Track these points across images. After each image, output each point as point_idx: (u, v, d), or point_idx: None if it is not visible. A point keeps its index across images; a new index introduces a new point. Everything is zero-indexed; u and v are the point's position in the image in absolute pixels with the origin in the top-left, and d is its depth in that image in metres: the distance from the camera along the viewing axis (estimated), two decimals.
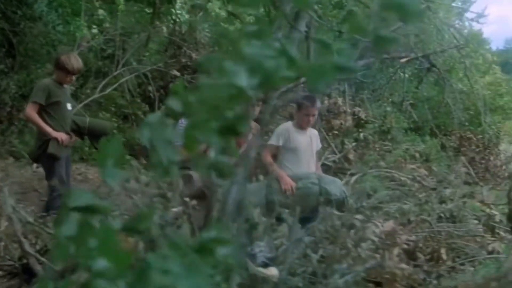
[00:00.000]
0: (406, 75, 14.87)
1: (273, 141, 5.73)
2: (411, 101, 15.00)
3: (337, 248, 3.21)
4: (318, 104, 5.90)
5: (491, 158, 12.16)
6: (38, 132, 5.40)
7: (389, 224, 3.71)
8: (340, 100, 10.59)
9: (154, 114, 0.85)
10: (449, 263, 5.99)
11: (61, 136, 5.21)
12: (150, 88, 10.73)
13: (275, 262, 2.41)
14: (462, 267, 5.86)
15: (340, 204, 5.23)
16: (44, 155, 5.20)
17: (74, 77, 5.52)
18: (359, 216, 3.61)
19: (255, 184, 5.80)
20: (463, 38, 13.08)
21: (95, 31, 12.45)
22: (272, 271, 2.22)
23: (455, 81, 15.05)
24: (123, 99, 10.01)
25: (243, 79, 0.79)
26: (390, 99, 14.89)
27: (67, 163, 5.52)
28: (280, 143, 5.64)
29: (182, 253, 0.96)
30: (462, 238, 6.90)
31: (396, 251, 3.51)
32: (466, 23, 19.90)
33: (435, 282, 3.80)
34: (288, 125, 5.96)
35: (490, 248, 6.20)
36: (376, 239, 3.53)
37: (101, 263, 0.78)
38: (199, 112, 0.83)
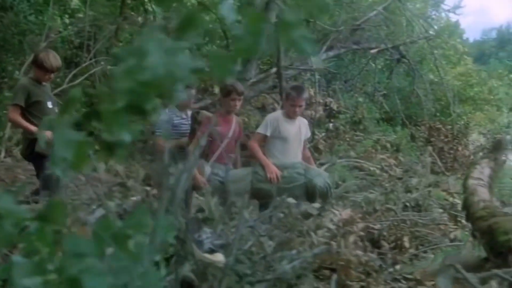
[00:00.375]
0: (378, 66, 15.02)
1: (261, 129, 5.74)
2: (384, 92, 15.18)
3: (293, 236, 3.29)
4: (306, 94, 5.90)
5: (460, 148, 12.36)
6: (24, 132, 5.38)
7: (347, 212, 3.80)
8: (312, 91, 10.67)
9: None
10: (412, 250, 6.13)
11: (46, 134, 5.11)
12: None
13: (226, 249, 2.48)
14: (425, 255, 6.01)
15: (324, 195, 5.30)
16: (32, 154, 5.17)
17: (53, 75, 5.43)
18: (315, 205, 3.69)
19: (241, 170, 5.87)
20: (433, 29, 13.24)
21: (67, 21, 12.35)
22: (218, 257, 2.29)
23: (426, 72, 15.25)
24: (94, 89, 9.95)
25: (146, 73, 0.85)
26: (363, 90, 15.05)
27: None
28: (268, 132, 5.66)
29: (99, 239, 1.02)
30: (427, 226, 7.05)
31: (352, 238, 3.59)
32: (443, 14, 20.15)
33: (391, 269, 3.88)
34: (278, 114, 5.97)
35: (452, 236, 6.35)
36: (333, 226, 3.61)
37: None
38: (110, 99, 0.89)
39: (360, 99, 14.08)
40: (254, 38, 0.86)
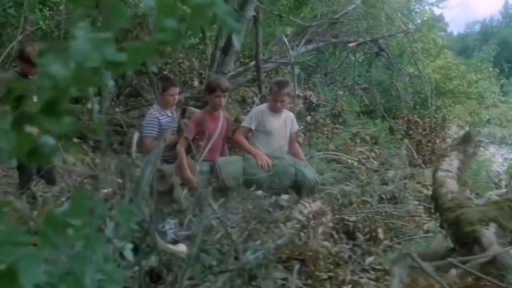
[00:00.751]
0: (359, 60, 15.08)
1: (246, 123, 5.73)
2: (364, 85, 15.26)
3: (262, 227, 3.34)
4: (288, 89, 5.84)
5: (437, 141, 12.49)
6: None
7: (317, 204, 3.85)
8: (292, 84, 10.68)
9: None
10: (387, 242, 6.21)
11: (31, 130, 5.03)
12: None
13: (192, 240, 2.52)
14: (399, 246, 6.10)
15: (312, 189, 5.33)
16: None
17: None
18: (285, 197, 3.73)
19: (231, 156, 5.87)
20: (413, 23, 13.33)
21: (47, 13, 12.26)
22: (180, 247, 2.33)
23: (406, 65, 15.35)
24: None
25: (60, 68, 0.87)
26: (343, 83, 15.13)
27: None
28: (253, 126, 5.66)
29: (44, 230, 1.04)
30: (402, 218, 7.14)
31: (321, 229, 3.64)
32: (427, 8, 20.27)
33: (360, 260, 3.95)
34: (263, 107, 5.97)
35: (426, 227, 6.45)
36: (303, 218, 3.66)
37: None
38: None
39: (340, 92, 14.15)
40: (172, 29, 0.88)
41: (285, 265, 3.23)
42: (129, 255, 1.75)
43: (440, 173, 4.46)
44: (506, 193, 5.13)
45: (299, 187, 5.13)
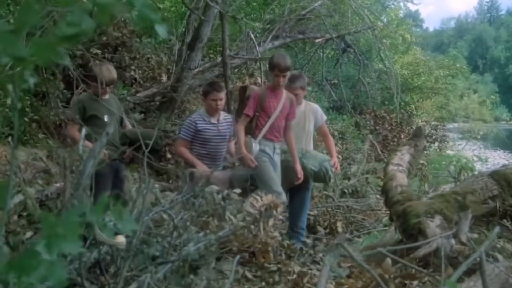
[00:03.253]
0: (328, 55, 15.20)
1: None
2: (334, 81, 15.38)
3: (210, 220, 3.41)
4: (302, 82, 5.61)
5: (402, 136, 12.71)
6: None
7: (268, 198, 3.92)
8: (260, 80, 10.76)
9: None
10: (348, 235, 6.34)
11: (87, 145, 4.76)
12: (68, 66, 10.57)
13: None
14: (359, 239, 6.24)
15: (318, 177, 5.24)
16: None
17: (108, 88, 5.12)
18: (237, 190, 3.80)
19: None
20: (379, 20, 13.49)
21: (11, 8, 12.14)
22: (120, 239, 2.39)
23: (374, 61, 15.53)
24: (36, 77, 9.84)
25: None
26: (312, 79, 15.22)
27: (117, 177, 5.06)
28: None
29: None
30: (363, 212, 7.29)
31: (271, 222, 3.72)
32: (401, 4, 20.50)
33: (311, 251, 4.04)
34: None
35: (384, 221, 6.60)
36: (254, 211, 3.73)
37: None
38: None
39: (309, 88, 14.24)
40: (78, 26, 0.93)
41: (234, 257, 3.30)
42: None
43: (391, 167, 4.57)
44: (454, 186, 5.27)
45: (304, 178, 5.03)
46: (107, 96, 5.15)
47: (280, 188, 4.76)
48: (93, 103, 5.03)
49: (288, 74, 5.02)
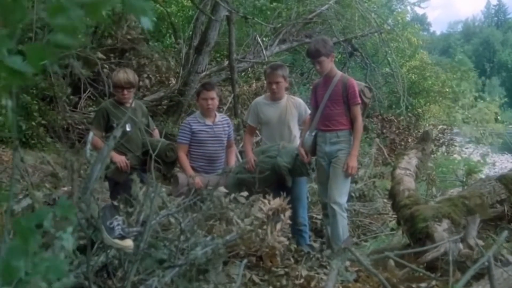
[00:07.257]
0: (335, 59, 15.16)
1: (247, 120, 5.68)
2: None
3: (217, 223, 3.41)
4: (284, 71, 5.49)
5: (410, 140, 12.67)
6: None
7: (276, 201, 3.91)
8: (287, 68, 10.74)
9: None
10: (355, 239, 6.32)
11: (120, 160, 4.79)
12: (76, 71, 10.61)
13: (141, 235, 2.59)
14: (366, 243, 6.22)
15: (297, 172, 5.07)
16: (106, 176, 4.57)
17: (126, 91, 4.95)
18: (244, 193, 3.79)
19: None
20: (386, 24, 13.47)
21: None
22: (127, 243, 2.39)
23: (381, 65, 15.50)
24: (44, 81, 9.83)
25: None
26: None
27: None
28: (252, 120, 5.54)
29: None
30: (371, 216, 7.28)
31: (279, 226, 3.71)
32: (408, 8, 20.43)
33: (319, 255, 4.03)
34: (259, 99, 5.76)
35: (391, 225, 6.58)
36: (261, 215, 3.73)
37: None
38: None
39: None
40: (69, 32, 0.93)
41: (241, 261, 3.29)
42: (67, 244, 1.81)
43: (398, 171, 4.57)
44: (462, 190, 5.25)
45: (280, 176, 4.98)
46: (132, 103, 5.04)
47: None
48: (116, 110, 4.93)
49: (323, 59, 4.74)
